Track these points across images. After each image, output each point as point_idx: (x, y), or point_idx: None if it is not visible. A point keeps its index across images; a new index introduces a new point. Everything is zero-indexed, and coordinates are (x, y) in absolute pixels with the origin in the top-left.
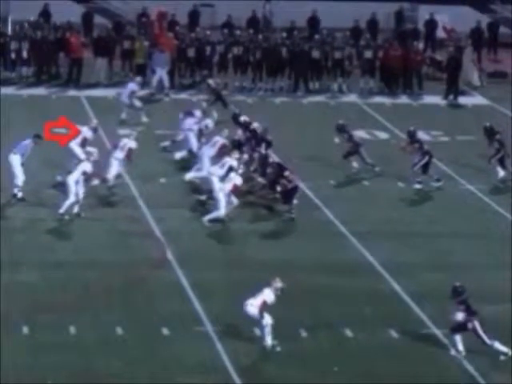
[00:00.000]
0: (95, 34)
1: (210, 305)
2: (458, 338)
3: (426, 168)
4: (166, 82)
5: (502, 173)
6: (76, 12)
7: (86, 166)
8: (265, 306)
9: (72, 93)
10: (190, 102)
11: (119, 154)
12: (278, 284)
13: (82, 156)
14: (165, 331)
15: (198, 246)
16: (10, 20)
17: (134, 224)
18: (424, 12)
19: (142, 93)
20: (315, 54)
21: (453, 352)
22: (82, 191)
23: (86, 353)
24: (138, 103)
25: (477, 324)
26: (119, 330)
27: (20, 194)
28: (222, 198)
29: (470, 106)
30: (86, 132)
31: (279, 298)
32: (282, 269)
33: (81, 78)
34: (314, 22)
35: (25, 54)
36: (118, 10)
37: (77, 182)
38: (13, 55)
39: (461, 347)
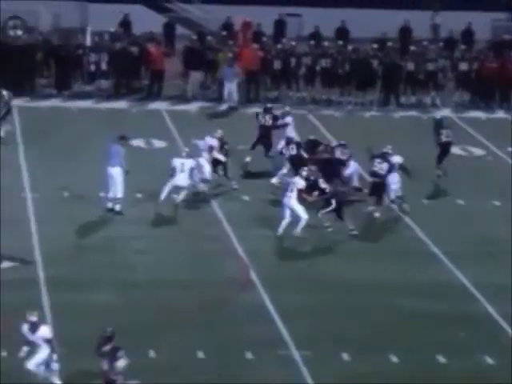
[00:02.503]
0: (182, 46)
1: (295, 327)
2: None
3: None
4: (235, 96)
5: None
6: (157, 22)
7: None
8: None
9: (152, 106)
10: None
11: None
12: (32, 318)
13: (208, 174)
14: (248, 355)
15: (282, 267)
16: (89, 31)
17: (215, 243)
18: None
19: (223, 107)
20: (410, 66)
21: None
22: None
23: (166, 377)
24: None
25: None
26: (200, 354)
27: (118, 207)
28: (295, 206)
29: None
30: (210, 141)
31: (364, 321)
32: (369, 290)
33: (162, 91)
34: (405, 32)
35: (104, 66)
36: (200, 19)
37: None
38: (92, 67)
39: None
